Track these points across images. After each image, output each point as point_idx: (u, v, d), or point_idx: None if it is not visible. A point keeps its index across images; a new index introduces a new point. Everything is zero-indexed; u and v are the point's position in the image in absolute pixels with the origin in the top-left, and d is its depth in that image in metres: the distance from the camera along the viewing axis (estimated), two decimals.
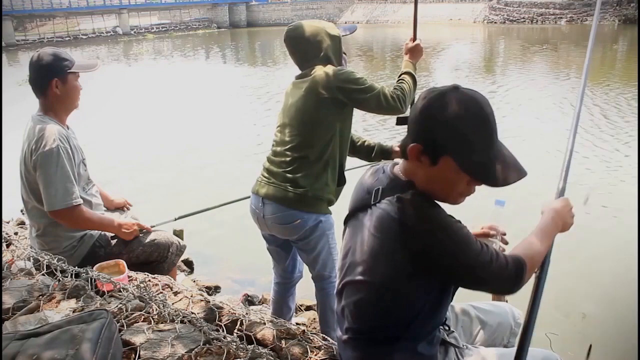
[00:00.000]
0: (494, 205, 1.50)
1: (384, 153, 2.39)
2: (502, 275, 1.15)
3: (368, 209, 1.20)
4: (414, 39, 2.27)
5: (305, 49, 2.10)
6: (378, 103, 2.00)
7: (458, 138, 1.09)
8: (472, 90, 1.14)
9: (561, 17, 33.74)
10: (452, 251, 1.10)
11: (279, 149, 2.15)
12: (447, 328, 1.36)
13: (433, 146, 1.11)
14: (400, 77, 2.18)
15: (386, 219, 1.13)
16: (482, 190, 1.19)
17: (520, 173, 1.14)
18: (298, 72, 2.17)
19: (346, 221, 1.33)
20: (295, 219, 2.07)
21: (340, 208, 2.19)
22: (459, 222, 1.15)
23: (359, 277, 1.20)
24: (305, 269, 2.42)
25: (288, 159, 2.09)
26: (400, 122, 1.15)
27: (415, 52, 2.26)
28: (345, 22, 42.09)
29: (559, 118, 8.68)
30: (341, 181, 2.19)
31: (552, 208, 1.34)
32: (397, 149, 2.36)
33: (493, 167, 1.11)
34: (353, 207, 1.29)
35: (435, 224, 1.11)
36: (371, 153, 2.40)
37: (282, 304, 2.45)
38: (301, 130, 2.07)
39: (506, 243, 1.47)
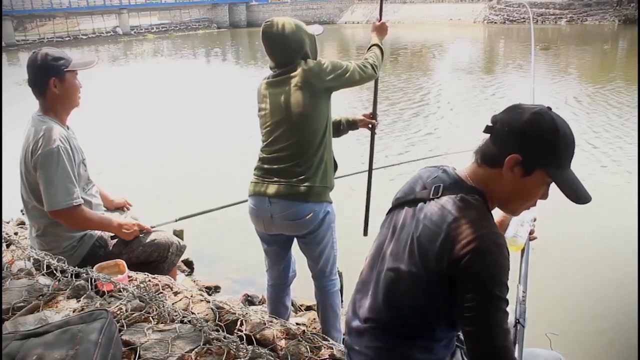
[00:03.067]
0: None
1: (351, 124, 2.53)
2: (496, 335, 1.09)
3: (423, 202, 1.23)
4: (380, 19, 2.56)
5: (287, 46, 2.12)
6: (360, 76, 2.19)
7: (555, 153, 1.17)
8: (556, 114, 1.20)
9: (561, 17, 33.73)
10: (486, 274, 1.10)
11: (276, 147, 2.15)
12: None
13: (533, 158, 1.17)
14: (369, 49, 2.42)
15: (444, 214, 1.16)
16: None
17: (588, 196, 1.19)
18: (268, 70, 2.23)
19: (392, 210, 1.35)
20: (307, 212, 2.10)
21: (336, 204, 2.23)
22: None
23: (403, 267, 1.21)
24: (300, 268, 2.43)
25: (289, 154, 2.11)
26: (487, 130, 1.25)
27: (381, 30, 2.53)
28: (345, 22, 42.15)
29: None
30: (336, 165, 2.28)
31: None
32: (362, 117, 2.54)
33: (574, 183, 1.18)
34: (404, 199, 1.31)
35: (489, 237, 1.12)
36: (339, 127, 2.49)
37: (279, 304, 2.46)
38: (298, 124, 2.09)
39: (532, 234, 1.52)
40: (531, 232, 1.62)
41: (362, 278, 1.36)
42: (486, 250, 1.09)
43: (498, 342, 1.08)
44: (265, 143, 2.20)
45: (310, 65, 2.09)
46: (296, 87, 2.08)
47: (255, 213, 2.21)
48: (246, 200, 2.29)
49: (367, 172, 2.63)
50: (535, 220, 1.63)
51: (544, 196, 1.24)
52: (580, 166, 5.70)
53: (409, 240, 1.20)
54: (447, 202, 1.18)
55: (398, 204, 1.32)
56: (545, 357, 1.35)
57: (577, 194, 1.17)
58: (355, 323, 1.33)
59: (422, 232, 1.18)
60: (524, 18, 34.99)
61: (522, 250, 1.60)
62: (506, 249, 1.13)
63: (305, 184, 2.09)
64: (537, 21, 34.24)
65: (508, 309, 1.14)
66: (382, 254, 1.29)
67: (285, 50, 2.12)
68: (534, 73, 2.31)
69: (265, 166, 2.18)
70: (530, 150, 1.16)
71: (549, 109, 1.20)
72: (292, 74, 2.09)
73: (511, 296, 1.26)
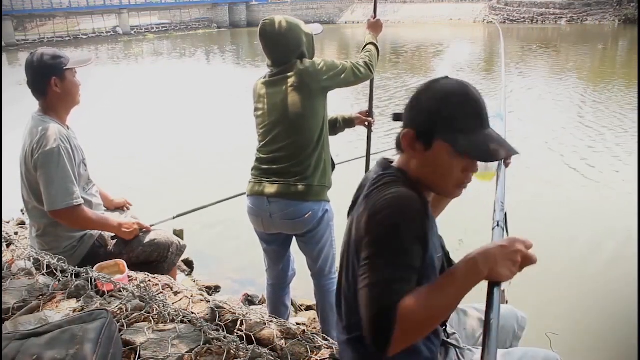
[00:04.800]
0: (493, 117, 1.31)
1: (347, 122, 2.51)
2: (371, 307, 0.96)
3: (360, 200, 1.17)
4: (375, 16, 2.57)
5: (284, 44, 2.13)
6: (355, 76, 2.20)
7: (447, 118, 1.09)
8: (460, 81, 1.14)
9: (561, 17, 33.71)
10: (376, 236, 1.01)
11: (273, 147, 2.15)
12: (446, 329, 1.35)
13: (424, 129, 1.11)
14: (365, 47, 2.40)
15: (366, 206, 1.09)
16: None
17: (509, 151, 1.10)
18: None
19: (348, 215, 1.32)
20: (306, 211, 2.11)
21: (335, 202, 2.23)
22: (420, 224, 1.03)
23: (353, 261, 1.16)
24: (300, 268, 2.43)
25: (287, 154, 2.11)
26: (396, 118, 1.19)
27: (376, 27, 2.53)
28: (345, 22, 42.13)
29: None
30: (333, 165, 2.29)
31: (484, 249, 0.99)
32: (358, 115, 2.53)
33: (483, 144, 1.08)
34: (352, 201, 1.28)
35: (386, 199, 1.04)
36: (335, 125, 2.48)
37: (279, 304, 2.46)
38: (295, 124, 2.10)
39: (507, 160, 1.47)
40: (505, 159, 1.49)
41: (337, 286, 1.33)
42: (379, 211, 1.03)
43: (374, 306, 0.96)
44: (262, 143, 2.20)
45: (306, 65, 2.10)
46: (292, 87, 2.09)
47: (254, 213, 2.21)
48: (243, 194, 2.31)
49: (364, 170, 2.64)
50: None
51: (469, 168, 1.12)
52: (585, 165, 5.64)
53: (348, 236, 1.17)
54: (372, 192, 1.11)
55: (350, 208, 1.27)
56: (542, 357, 1.34)
57: (487, 153, 1.07)
58: (338, 334, 1.34)
59: (355, 232, 1.12)
60: (524, 18, 34.98)
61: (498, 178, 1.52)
62: (410, 211, 1.02)
63: (304, 183, 2.10)
64: (537, 21, 34.23)
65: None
66: (342, 259, 1.27)
67: (282, 47, 2.13)
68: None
69: (263, 166, 2.18)
70: (419, 121, 1.12)
71: (445, 77, 1.15)
72: (289, 74, 2.10)
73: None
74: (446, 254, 1.26)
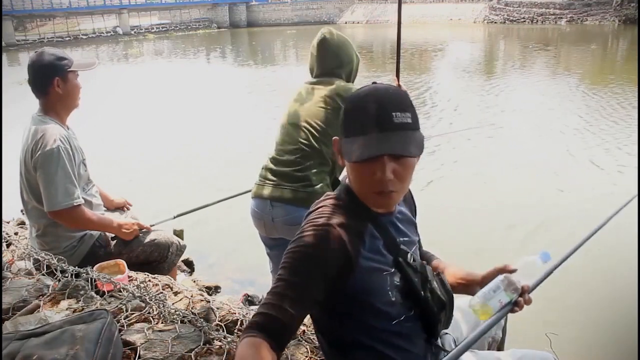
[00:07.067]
0: (536, 255, 1.22)
1: None
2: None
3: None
4: (398, 81, 2.45)
5: (340, 59, 2.19)
6: None
7: (341, 125, 1.13)
8: (369, 85, 1.14)
9: (561, 17, 33.71)
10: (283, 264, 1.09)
11: (287, 148, 2.18)
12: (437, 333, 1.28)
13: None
14: None
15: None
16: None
17: (381, 151, 1.06)
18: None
19: None
20: None
21: None
22: (321, 242, 1.06)
23: None
24: None
25: (298, 159, 2.13)
26: None
27: None
28: (345, 22, 42.10)
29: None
30: (337, 182, 2.28)
31: None
32: None
33: (353, 145, 1.08)
34: None
35: (306, 220, 1.14)
36: None
37: None
38: (313, 134, 2.13)
39: (527, 303, 1.20)
40: (515, 304, 1.20)
41: None
42: (292, 247, 1.08)
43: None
44: (278, 142, 2.24)
45: (347, 87, 2.15)
46: (322, 99, 2.14)
47: (257, 216, 2.22)
48: (244, 193, 2.31)
49: None
50: (520, 293, 1.20)
51: (364, 172, 1.09)
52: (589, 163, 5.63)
53: None
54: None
55: None
56: (539, 358, 1.33)
57: (350, 154, 1.08)
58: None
59: None
60: (524, 18, 34.99)
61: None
62: (315, 241, 1.06)
63: (308, 190, 2.11)
64: (537, 21, 34.24)
65: None
66: None
67: (335, 60, 2.19)
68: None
69: (272, 166, 2.21)
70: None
71: (373, 83, 1.16)
72: (327, 87, 2.15)
73: None
74: (414, 268, 1.19)
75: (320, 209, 1.16)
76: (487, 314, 1.17)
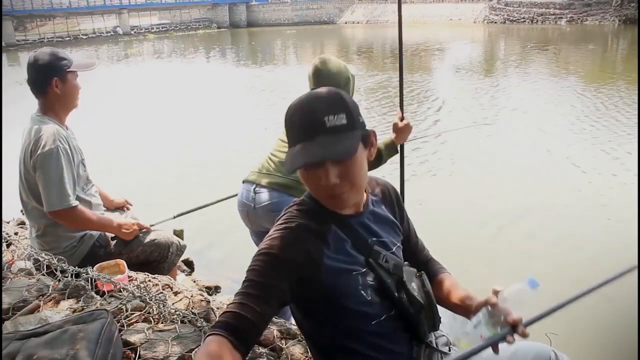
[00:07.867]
0: (523, 282, 1.15)
1: (389, 148, 2.31)
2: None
3: None
4: (402, 117, 2.29)
5: (336, 85, 2.21)
6: None
7: (286, 134, 1.16)
8: (305, 93, 1.15)
9: (561, 17, 33.69)
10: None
11: (281, 146, 2.27)
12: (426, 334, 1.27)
13: None
14: (387, 145, 2.27)
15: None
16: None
17: (290, 167, 1.10)
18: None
19: None
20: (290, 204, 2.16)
21: None
22: (288, 247, 1.11)
23: None
24: None
25: None
26: None
27: (403, 132, 2.28)
28: (345, 22, 42.10)
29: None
30: None
31: None
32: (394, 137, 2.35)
33: (291, 154, 1.10)
34: None
35: (274, 225, 1.18)
36: (380, 156, 2.29)
37: None
38: None
39: (522, 335, 1.10)
40: (504, 339, 1.09)
41: None
42: (261, 249, 1.15)
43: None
44: (280, 138, 2.33)
45: None
46: None
47: (241, 205, 2.31)
48: None
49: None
50: (513, 331, 1.09)
51: (311, 177, 1.11)
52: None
53: None
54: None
55: None
56: (535, 351, 1.33)
57: (293, 164, 1.09)
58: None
59: None
60: (524, 18, 34.98)
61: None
62: (278, 243, 1.12)
63: (292, 177, 2.16)
64: (537, 21, 34.22)
65: None
66: None
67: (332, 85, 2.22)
68: None
69: (269, 157, 2.30)
70: None
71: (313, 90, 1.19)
72: None
73: None
74: (386, 269, 1.19)
75: (286, 215, 1.20)
76: (465, 343, 1.14)
